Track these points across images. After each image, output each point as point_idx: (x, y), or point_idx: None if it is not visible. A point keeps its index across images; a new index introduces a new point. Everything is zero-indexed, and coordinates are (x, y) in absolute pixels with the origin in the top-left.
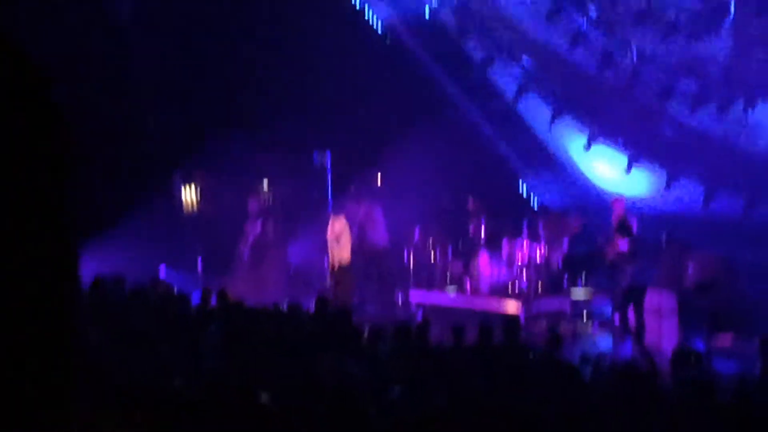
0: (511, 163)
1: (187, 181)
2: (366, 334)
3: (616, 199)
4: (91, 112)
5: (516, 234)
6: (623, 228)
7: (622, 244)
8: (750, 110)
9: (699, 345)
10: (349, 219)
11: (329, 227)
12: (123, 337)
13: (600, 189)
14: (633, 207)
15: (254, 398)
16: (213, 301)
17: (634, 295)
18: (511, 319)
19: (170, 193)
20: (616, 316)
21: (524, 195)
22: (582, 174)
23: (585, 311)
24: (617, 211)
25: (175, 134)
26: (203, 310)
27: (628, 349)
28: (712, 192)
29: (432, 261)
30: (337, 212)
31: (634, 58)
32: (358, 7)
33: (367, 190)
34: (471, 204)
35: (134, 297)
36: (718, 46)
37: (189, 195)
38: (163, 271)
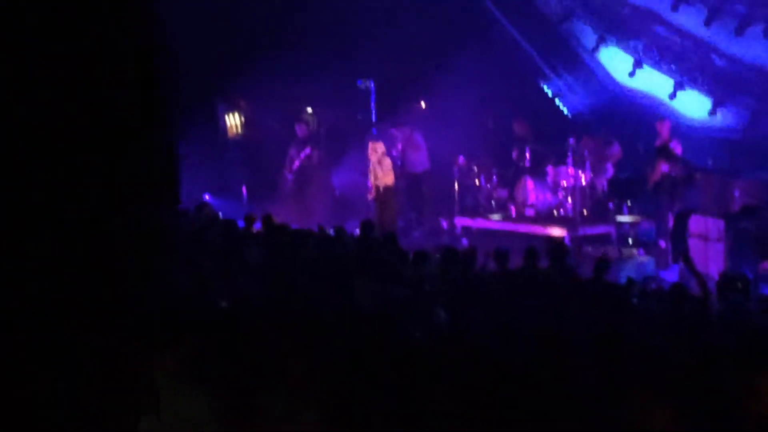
0: (557, 88)
1: (230, 108)
2: (411, 258)
3: (661, 121)
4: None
5: (561, 159)
6: (666, 151)
7: (666, 168)
8: None
9: (746, 270)
10: (389, 143)
11: (370, 151)
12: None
13: (645, 112)
14: (679, 131)
15: (297, 321)
16: (258, 225)
17: (680, 219)
18: (558, 242)
19: (214, 120)
20: (661, 241)
21: (570, 120)
22: (627, 98)
23: (630, 236)
24: (662, 134)
25: (217, 61)
26: (248, 233)
27: (673, 273)
28: (757, 117)
29: (477, 186)
30: (374, 137)
31: None
32: None
33: (408, 115)
34: (516, 128)
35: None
36: None
37: (232, 122)
38: (208, 199)
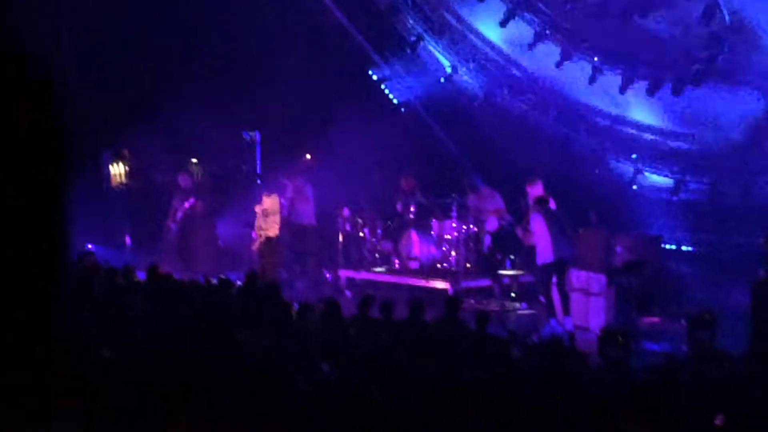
0: (442, 143)
1: (114, 157)
2: (295, 310)
3: (530, 182)
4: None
5: (446, 213)
6: (541, 202)
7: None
8: (679, 95)
9: (628, 324)
10: (279, 193)
11: (261, 203)
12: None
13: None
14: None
15: (181, 372)
16: (141, 276)
17: (553, 271)
18: (450, 298)
19: (98, 170)
20: (541, 294)
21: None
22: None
23: (513, 289)
24: (534, 193)
25: (102, 110)
26: (132, 283)
27: (553, 325)
28: (639, 173)
29: (362, 238)
30: (269, 190)
31: None
32: None
33: (294, 166)
34: (403, 183)
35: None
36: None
37: (116, 171)
38: (91, 249)
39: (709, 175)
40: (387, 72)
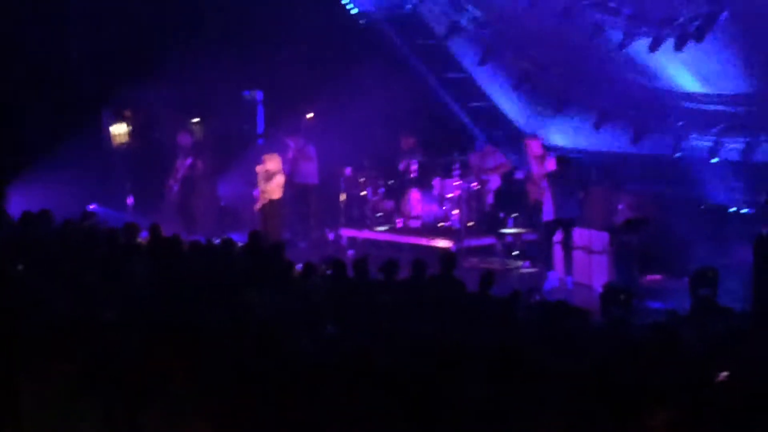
0: (443, 101)
1: (116, 118)
2: (299, 270)
3: (529, 137)
4: (17, 48)
5: (447, 172)
6: (541, 164)
7: (542, 181)
8: (680, 50)
9: (629, 282)
10: (281, 153)
11: (262, 162)
12: (50, 271)
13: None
14: (560, 147)
15: (184, 332)
16: (144, 235)
17: (555, 230)
18: (447, 254)
19: (99, 130)
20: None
21: (456, 133)
22: (511, 113)
23: (516, 247)
24: (533, 150)
25: (103, 70)
26: (134, 244)
27: (553, 281)
28: (639, 133)
29: (364, 198)
30: (271, 150)
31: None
32: None
33: (295, 126)
34: (403, 143)
35: (62, 230)
36: None
37: (118, 131)
38: (93, 209)
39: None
40: (389, 27)
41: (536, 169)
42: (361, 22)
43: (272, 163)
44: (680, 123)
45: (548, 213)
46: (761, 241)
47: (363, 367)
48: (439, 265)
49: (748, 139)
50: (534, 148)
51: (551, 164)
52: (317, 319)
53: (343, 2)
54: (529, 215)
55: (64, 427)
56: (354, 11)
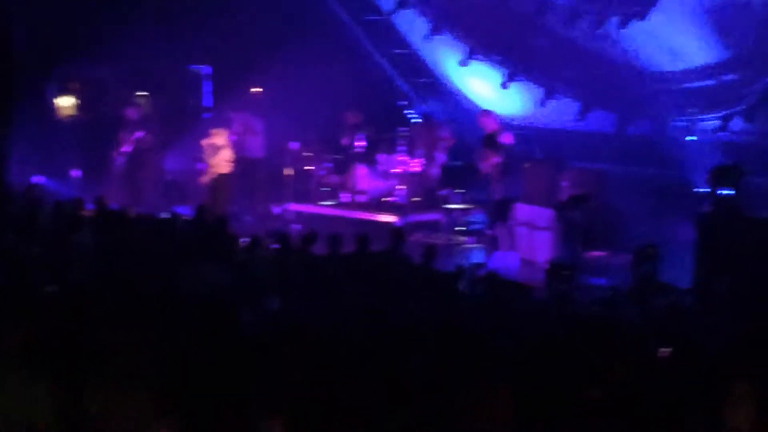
0: (389, 77)
1: (62, 90)
2: (243, 244)
3: (483, 113)
4: None
5: (392, 147)
6: (491, 142)
7: (493, 158)
8: (624, 27)
9: (573, 258)
10: (226, 126)
11: (209, 136)
12: None
13: (475, 104)
14: (509, 123)
15: (126, 306)
16: (90, 207)
17: (504, 208)
18: (397, 228)
19: (44, 103)
20: (489, 229)
21: (402, 109)
22: (458, 89)
23: (461, 223)
24: (487, 125)
25: (48, 41)
26: (76, 216)
27: (498, 260)
28: (586, 108)
29: (309, 173)
30: (218, 124)
31: None
32: None
33: (243, 101)
34: (349, 117)
35: (5, 202)
36: None
37: (65, 104)
38: (39, 181)
39: (654, 110)
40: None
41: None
42: None
43: (219, 137)
44: (660, 106)
45: (498, 192)
46: (702, 218)
47: (305, 339)
48: (388, 239)
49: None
50: (489, 124)
51: (507, 138)
52: (261, 293)
53: None
54: (481, 189)
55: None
56: None
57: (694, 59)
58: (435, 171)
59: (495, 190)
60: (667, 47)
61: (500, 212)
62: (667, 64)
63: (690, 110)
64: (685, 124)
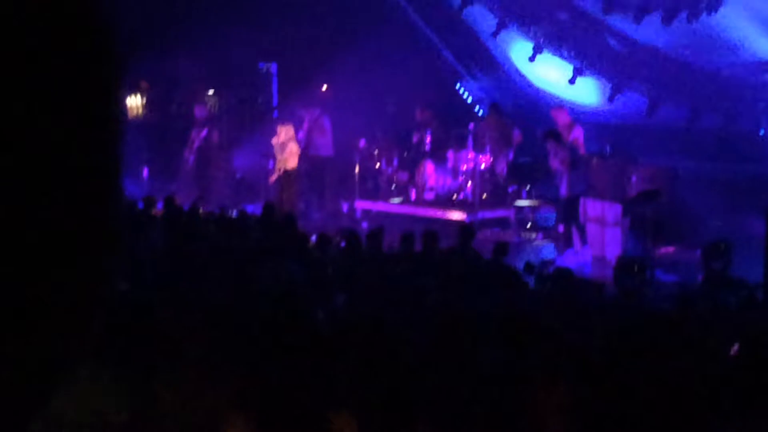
0: (457, 73)
1: (130, 89)
2: (313, 241)
3: (556, 107)
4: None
5: (461, 144)
6: (560, 137)
7: (562, 154)
8: (693, 21)
9: (643, 254)
10: (296, 124)
11: (276, 134)
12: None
13: (545, 98)
14: (577, 117)
15: (199, 303)
16: (160, 207)
17: (575, 204)
18: (466, 225)
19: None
20: (560, 225)
21: (470, 105)
22: (527, 83)
23: (529, 220)
24: (559, 120)
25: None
26: (149, 215)
27: (570, 257)
28: (655, 103)
29: (378, 170)
30: (284, 120)
31: None
32: None
33: (310, 98)
34: (418, 115)
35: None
36: None
37: (133, 103)
38: None
39: (725, 104)
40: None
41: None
42: None
43: (285, 133)
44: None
45: (564, 188)
46: None
47: (374, 336)
48: (457, 236)
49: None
50: (561, 118)
51: (577, 133)
52: (331, 290)
53: None
54: (543, 187)
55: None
56: None
57: (764, 52)
58: (503, 168)
59: (562, 186)
60: (736, 41)
61: (569, 209)
62: (737, 57)
63: (762, 104)
64: (757, 117)
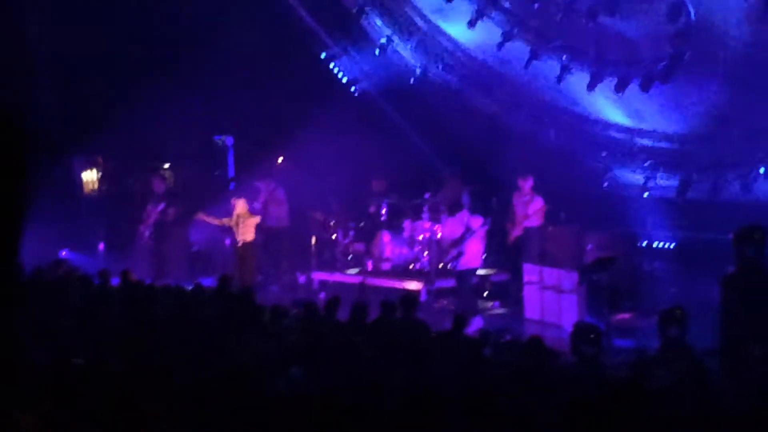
0: (413, 142)
1: (87, 164)
2: (269, 313)
3: (523, 177)
4: None
5: (417, 214)
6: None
7: (529, 222)
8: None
9: (599, 321)
10: (251, 196)
11: (232, 208)
12: (22, 319)
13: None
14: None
15: (157, 377)
16: (115, 281)
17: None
18: (410, 295)
19: (70, 176)
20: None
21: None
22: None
23: (486, 288)
24: (524, 188)
25: (73, 117)
26: (105, 289)
27: (526, 325)
28: (609, 172)
29: (334, 241)
30: (237, 193)
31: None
32: None
33: (266, 170)
34: (374, 186)
35: (34, 277)
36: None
37: (89, 178)
38: (65, 255)
39: (679, 172)
40: (355, 72)
41: (520, 210)
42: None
43: (240, 206)
44: (604, 153)
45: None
46: (727, 280)
47: (332, 408)
48: (401, 307)
49: (682, 177)
50: (526, 186)
51: (538, 203)
52: (289, 361)
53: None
54: (507, 255)
55: None
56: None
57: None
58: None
59: (524, 253)
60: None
61: (518, 277)
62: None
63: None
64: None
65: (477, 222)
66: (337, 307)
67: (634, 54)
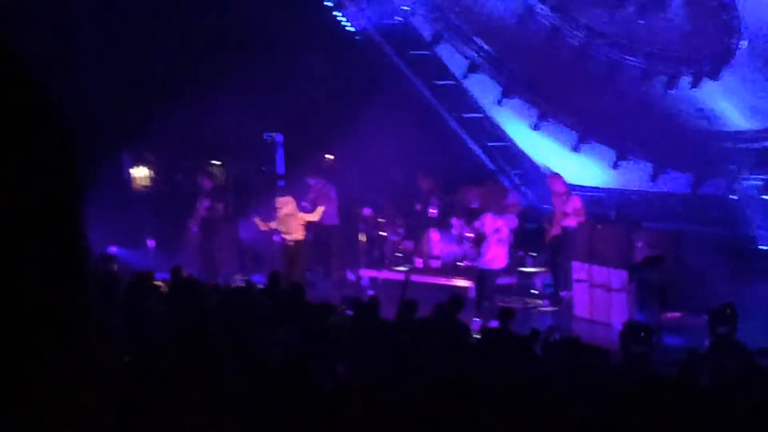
0: (461, 141)
1: (137, 161)
2: (318, 310)
3: (552, 175)
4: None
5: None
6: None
7: (567, 222)
8: (696, 87)
9: (649, 320)
10: (302, 193)
11: (280, 206)
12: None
13: (547, 167)
14: (583, 186)
15: (206, 375)
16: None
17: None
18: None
19: (120, 173)
20: (563, 292)
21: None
22: (530, 153)
23: (533, 286)
24: (555, 188)
25: (124, 113)
26: (154, 286)
27: (575, 323)
28: (660, 169)
29: (383, 238)
30: (282, 192)
31: (583, 36)
32: None
33: (315, 167)
34: (421, 183)
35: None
36: (665, 21)
37: (139, 174)
38: (114, 251)
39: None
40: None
41: (558, 207)
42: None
43: (287, 206)
44: (732, 166)
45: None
46: None
47: (375, 406)
48: (448, 306)
49: None
50: (556, 186)
51: (575, 201)
52: (334, 358)
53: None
54: (548, 254)
55: None
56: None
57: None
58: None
59: (563, 253)
60: (741, 106)
61: (567, 276)
62: (742, 122)
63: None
64: (759, 183)
65: (512, 222)
66: (376, 307)
67: (682, 49)
